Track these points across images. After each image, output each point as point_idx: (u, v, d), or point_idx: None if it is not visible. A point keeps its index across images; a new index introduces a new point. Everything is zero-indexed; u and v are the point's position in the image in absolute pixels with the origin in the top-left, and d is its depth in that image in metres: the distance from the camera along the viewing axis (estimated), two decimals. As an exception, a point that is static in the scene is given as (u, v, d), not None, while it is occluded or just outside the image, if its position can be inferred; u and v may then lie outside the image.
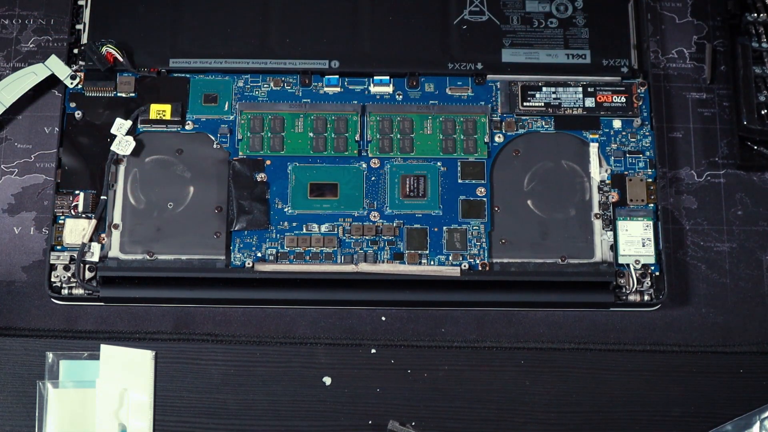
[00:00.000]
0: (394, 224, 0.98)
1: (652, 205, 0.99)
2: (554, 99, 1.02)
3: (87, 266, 0.97)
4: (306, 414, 0.95)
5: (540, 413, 0.96)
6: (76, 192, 0.99)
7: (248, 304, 0.98)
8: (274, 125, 1.01)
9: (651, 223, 0.99)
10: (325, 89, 1.03)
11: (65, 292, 0.97)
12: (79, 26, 1.04)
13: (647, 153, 1.01)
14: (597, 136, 1.02)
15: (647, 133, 1.02)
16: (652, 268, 0.98)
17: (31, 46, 1.07)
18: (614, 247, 0.98)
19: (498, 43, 1.04)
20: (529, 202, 1.00)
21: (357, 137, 1.01)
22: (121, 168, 1.00)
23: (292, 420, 0.95)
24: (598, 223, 0.99)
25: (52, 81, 1.03)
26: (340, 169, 1.00)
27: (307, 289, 0.97)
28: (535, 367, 0.97)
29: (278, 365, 0.96)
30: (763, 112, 1.02)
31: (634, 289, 0.97)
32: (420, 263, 0.98)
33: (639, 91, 1.03)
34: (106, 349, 0.96)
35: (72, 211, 0.98)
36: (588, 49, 1.04)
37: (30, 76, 1.03)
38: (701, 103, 1.06)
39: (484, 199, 1.00)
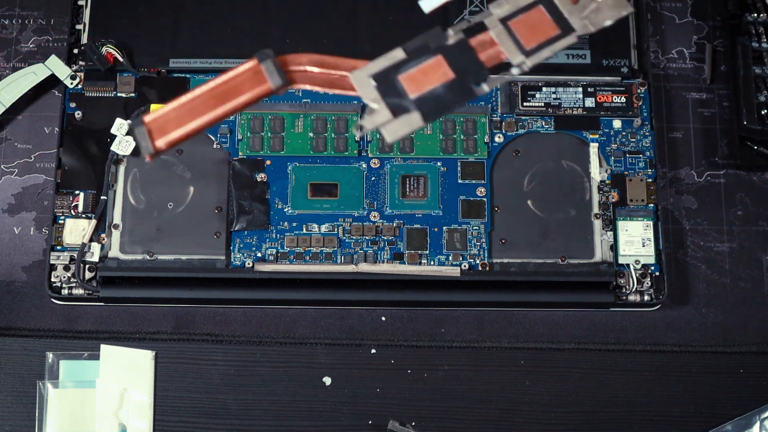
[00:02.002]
0: (394, 224, 0.99)
1: (652, 205, 0.99)
2: (554, 99, 1.02)
3: (87, 266, 0.97)
4: (306, 414, 0.95)
5: (540, 413, 0.96)
6: (76, 192, 0.99)
7: (248, 304, 0.98)
8: (274, 125, 1.01)
9: (651, 223, 0.99)
10: (325, 89, 1.03)
11: (65, 292, 0.97)
12: (79, 26, 1.04)
13: (647, 153, 1.01)
14: (597, 136, 1.02)
15: (647, 133, 1.02)
16: (652, 268, 0.98)
17: (31, 46, 1.07)
18: (614, 247, 0.98)
19: (498, 43, 1.04)
20: (529, 202, 1.00)
21: (357, 137, 1.01)
22: (121, 168, 1.00)
23: (292, 420, 0.95)
24: (598, 223, 0.99)
25: (52, 81, 1.03)
26: (340, 169, 1.00)
27: (307, 289, 0.97)
28: (535, 367, 0.97)
29: (278, 365, 0.96)
30: (763, 112, 1.02)
31: (634, 289, 0.97)
32: (420, 263, 0.98)
33: (639, 91, 1.03)
34: (106, 349, 0.96)
35: (72, 211, 0.99)
36: (588, 49, 1.04)
37: (30, 76, 1.03)
38: (701, 103, 1.06)
39: (484, 199, 1.00)
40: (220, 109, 0.70)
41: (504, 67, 1.03)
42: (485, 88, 0.69)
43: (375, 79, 0.69)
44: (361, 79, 0.69)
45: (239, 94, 0.69)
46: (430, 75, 0.69)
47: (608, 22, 0.70)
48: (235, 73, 0.70)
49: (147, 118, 0.70)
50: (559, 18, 0.69)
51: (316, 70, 0.70)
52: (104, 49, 1.02)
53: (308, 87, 0.71)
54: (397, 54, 0.70)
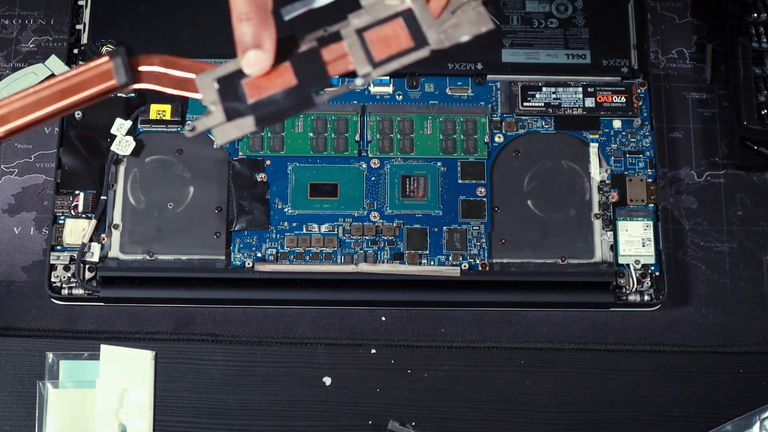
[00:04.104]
0: (394, 224, 0.99)
1: (652, 205, 0.99)
2: (554, 99, 1.02)
3: (87, 266, 0.97)
4: (306, 414, 0.95)
5: (540, 413, 0.96)
6: (76, 192, 0.99)
7: (248, 304, 0.98)
8: (274, 125, 1.01)
9: (651, 223, 0.99)
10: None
11: (65, 292, 0.97)
12: (79, 26, 1.04)
13: (647, 153, 1.01)
14: (597, 136, 1.02)
15: (647, 133, 1.02)
16: (652, 268, 0.98)
17: (31, 46, 1.07)
18: (614, 247, 0.98)
19: (498, 43, 1.04)
20: (529, 202, 1.00)
21: (357, 137, 1.01)
22: (121, 168, 1.00)
23: (292, 420, 0.95)
24: (598, 223, 0.99)
25: (52, 81, 1.03)
26: (340, 169, 1.00)
27: (307, 289, 0.97)
28: (535, 367, 0.97)
29: (278, 365, 0.96)
30: (763, 112, 1.02)
31: (634, 289, 0.97)
32: (420, 263, 0.98)
33: (639, 91, 1.03)
34: (106, 349, 0.96)
35: (72, 211, 0.99)
36: (588, 49, 1.04)
37: (30, 76, 1.03)
38: (701, 103, 1.06)
39: (484, 199, 1.00)
40: (63, 102, 0.69)
41: (503, 67, 1.03)
42: (324, 97, 0.68)
43: (218, 83, 0.68)
44: (205, 81, 0.68)
45: (85, 89, 0.69)
46: (274, 81, 0.68)
47: (465, 38, 0.68)
48: (85, 67, 0.70)
49: None
50: (416, 31, 0.69)
51: (166, 71, 0.70)
52: (104, 49, 1.02)
53: (156, 88, 0.70)
54: None
